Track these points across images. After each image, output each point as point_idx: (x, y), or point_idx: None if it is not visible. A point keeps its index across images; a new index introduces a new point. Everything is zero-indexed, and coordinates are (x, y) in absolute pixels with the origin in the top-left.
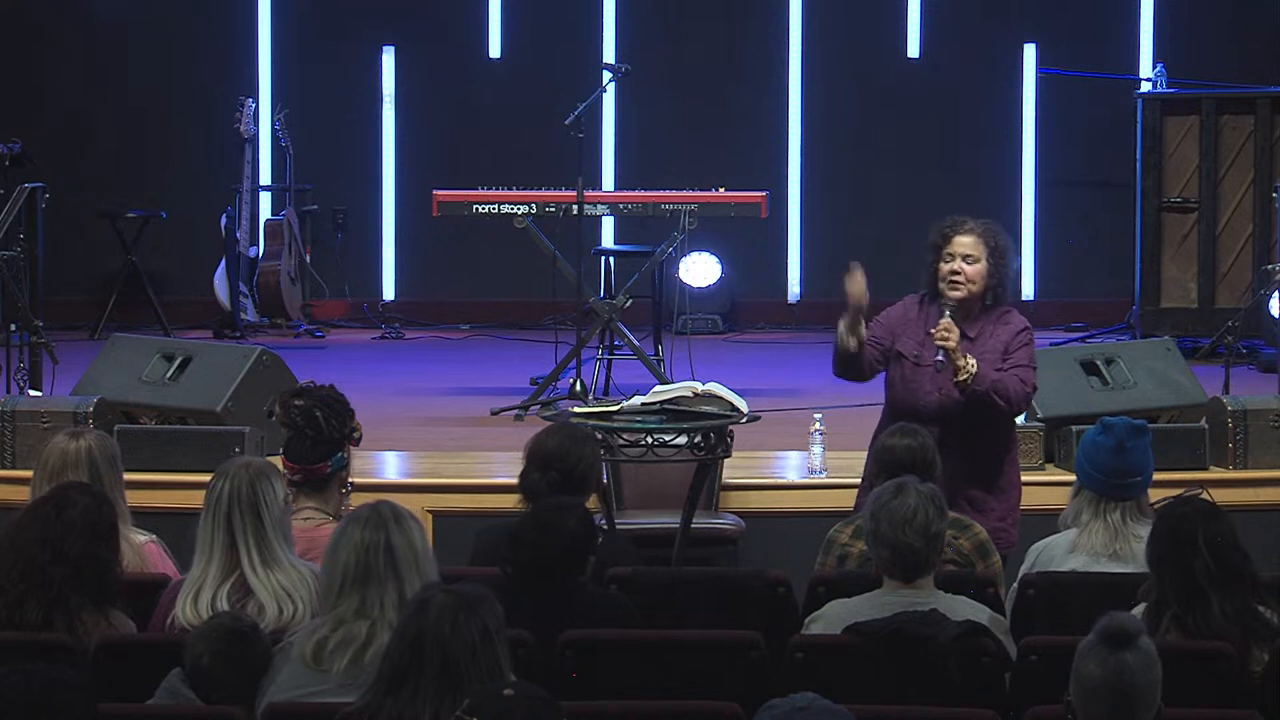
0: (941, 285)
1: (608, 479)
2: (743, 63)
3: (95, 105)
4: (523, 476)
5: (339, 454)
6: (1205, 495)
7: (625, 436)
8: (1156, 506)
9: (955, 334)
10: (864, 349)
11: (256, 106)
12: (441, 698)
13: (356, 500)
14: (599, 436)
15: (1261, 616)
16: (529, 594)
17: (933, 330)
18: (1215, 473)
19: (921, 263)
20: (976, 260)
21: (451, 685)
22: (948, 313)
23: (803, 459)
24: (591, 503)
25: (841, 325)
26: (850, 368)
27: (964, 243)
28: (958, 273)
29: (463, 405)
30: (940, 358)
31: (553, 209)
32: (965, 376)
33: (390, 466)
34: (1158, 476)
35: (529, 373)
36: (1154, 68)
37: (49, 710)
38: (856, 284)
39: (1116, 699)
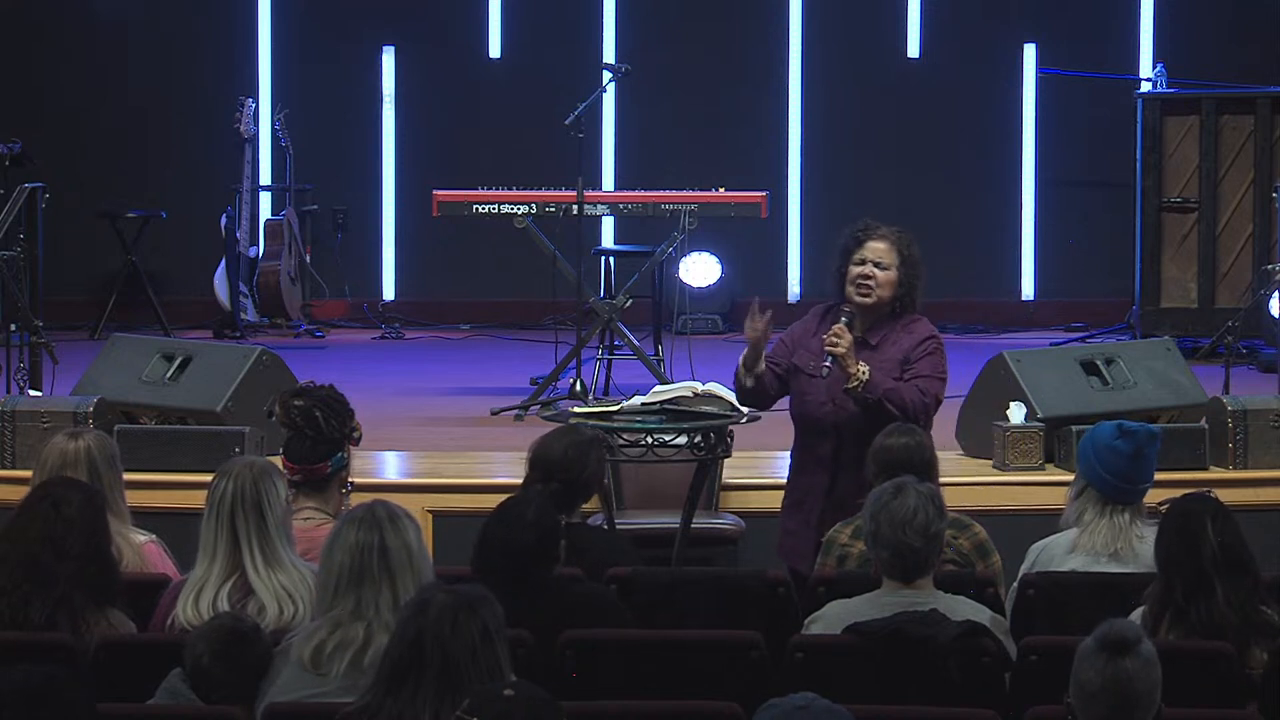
0: (849, 289)
1: (608, 479)
2: (743, 63)
3: (95, 105)
4: (526, 484)
5: (339, 454)
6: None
7: (625, 436)
8: (1161, 505)
9: (846, 339)
10: (761, 380)
11: (256, 106)
12: (441, 698)
13: (356, 500)
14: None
15: (1264, 615)
16: (504, 593)
17: (824, 336)
18: (1215, 473)
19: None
20: (888, 267)
21: (451, 685)
22: (844, 319)
23: None
24: (591, 503)
25: (741, 363)
26: (750, 398)
27: (877, 248)
28: (869, 277)
29: (463, 405)
30: (828, 363)
31: (553, 209)
32: (855, 383)
33: (390, 466)
34: (1158, 476)
35: (529, 373)
36: (1154, 68)
37: (51, 707)
38: (757, 329)
39: (1116, 702)
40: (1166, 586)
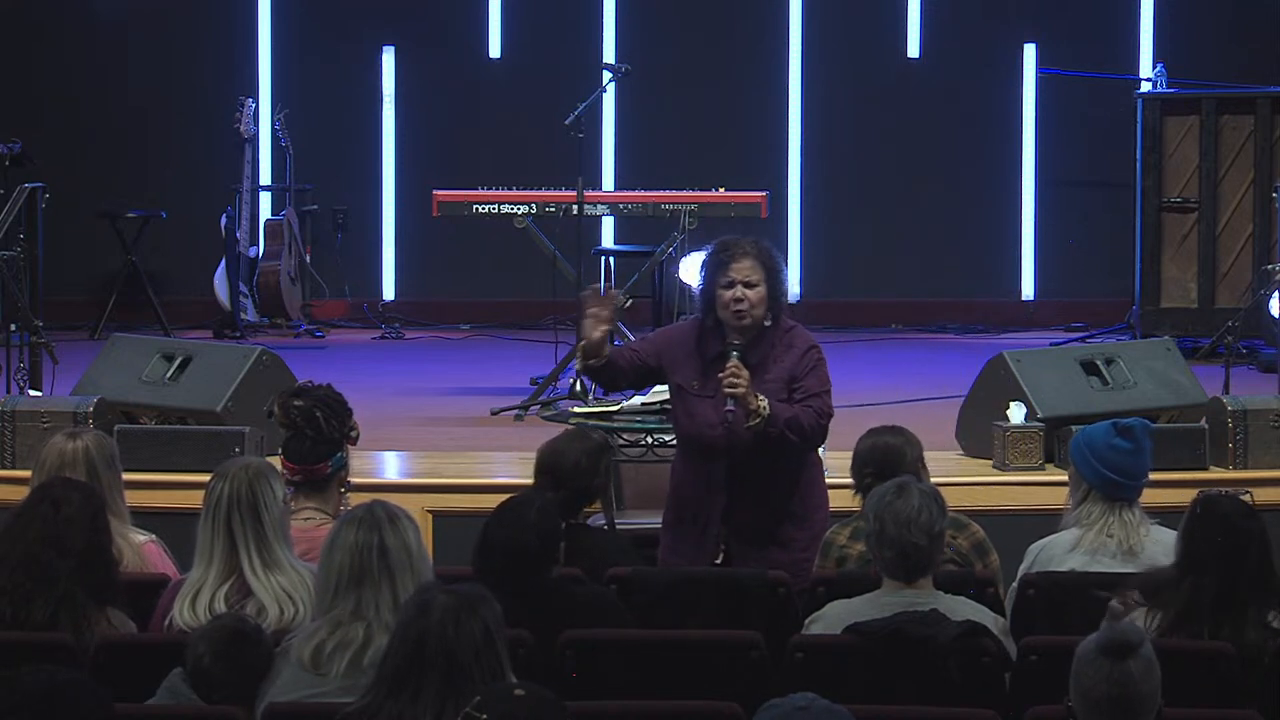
0: (723, 314)
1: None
2: (743, 63)
3: (95, 105)
4: (536, 489)
5: (338, 454)
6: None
7: (625, 436)
8: (1200, 496)
9: (745, 376)
10: (614, 363)
11: (256, 106)
12: (444, 699)
13: (355, 500)
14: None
15: (1270, 626)
16: (504, 594)
17: (720, 375)
18: (1215, 473)
19: (901, 263)
20: (757, 284)
21: (454, 686)
22: (735, 355)
23: None
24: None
25: (580, 353)
26: (600, 377)
27: (744, 268)
28: (741, 300)
29: (463, 405)
30: (731, 407)
31: (553, 209)
32: (757, 420)
33: (390, 466)
34: (1158, 476)
35: (529, 373)
36: (1154, 68)
37: (73, 709)
38: (603, 319)
39: (1120, 706)
40: (1196, 588)
